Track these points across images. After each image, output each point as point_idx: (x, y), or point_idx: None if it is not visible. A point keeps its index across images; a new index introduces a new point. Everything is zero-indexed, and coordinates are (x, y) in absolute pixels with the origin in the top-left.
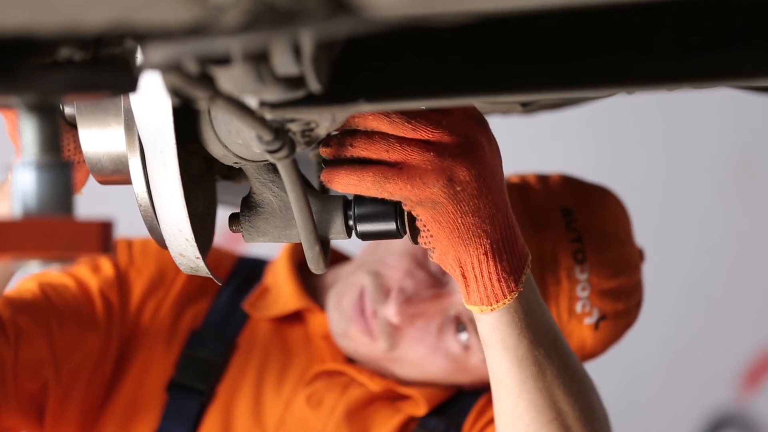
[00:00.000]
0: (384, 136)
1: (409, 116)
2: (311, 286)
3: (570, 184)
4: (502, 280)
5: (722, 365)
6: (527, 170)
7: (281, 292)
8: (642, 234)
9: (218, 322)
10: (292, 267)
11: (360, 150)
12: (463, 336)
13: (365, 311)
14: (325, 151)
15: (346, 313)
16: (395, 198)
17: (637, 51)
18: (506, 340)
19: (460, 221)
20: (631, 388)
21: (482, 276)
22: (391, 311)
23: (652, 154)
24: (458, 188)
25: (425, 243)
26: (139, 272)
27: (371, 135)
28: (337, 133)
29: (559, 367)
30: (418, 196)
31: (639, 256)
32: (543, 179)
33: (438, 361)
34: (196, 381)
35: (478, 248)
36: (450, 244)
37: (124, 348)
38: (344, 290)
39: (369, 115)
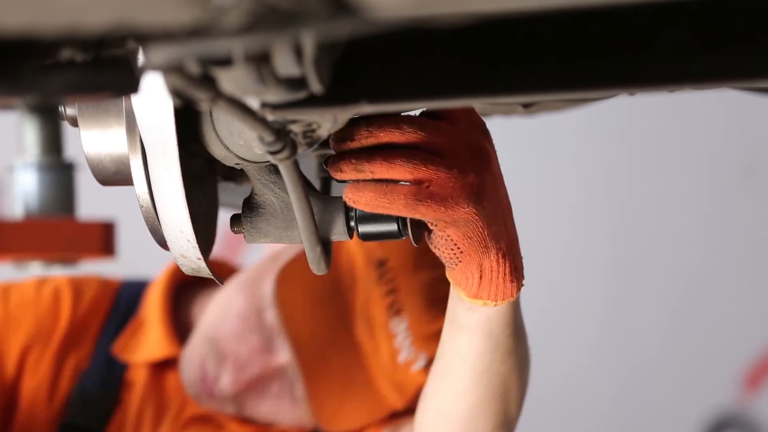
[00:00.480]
0: (404, 156)
1: (420, 126)
2: (184, 321)
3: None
4: (513, 279)
5: (724, 366)
6: (530, 172)
7: (150, 335)
8: (644, 235)
9: (100, 370)
10: (165, 299)
11: (381, 175)
12: (298, 391)
13: (206, 379)
14: (338, 176)
15: (191, 378)
16: (427, 219)
17: (638, 52)
18: (493, 329)
19: (486, 233)
20: (633, 389)
21: (497, 276)
22: (226, 382)
23: (654, 155)
24: (485, 203)
25: (452, 259)
26: (15, 329)
27: (389, 158)
28: (352, 159)
29: (522, 352)
30: (452, 217)
31: None
32: None
33: (286, 414)
34: None
35: (498, 252)
36: (477, 255)
37: (6, 413)
38: (188, 356)
39: (379, 132)
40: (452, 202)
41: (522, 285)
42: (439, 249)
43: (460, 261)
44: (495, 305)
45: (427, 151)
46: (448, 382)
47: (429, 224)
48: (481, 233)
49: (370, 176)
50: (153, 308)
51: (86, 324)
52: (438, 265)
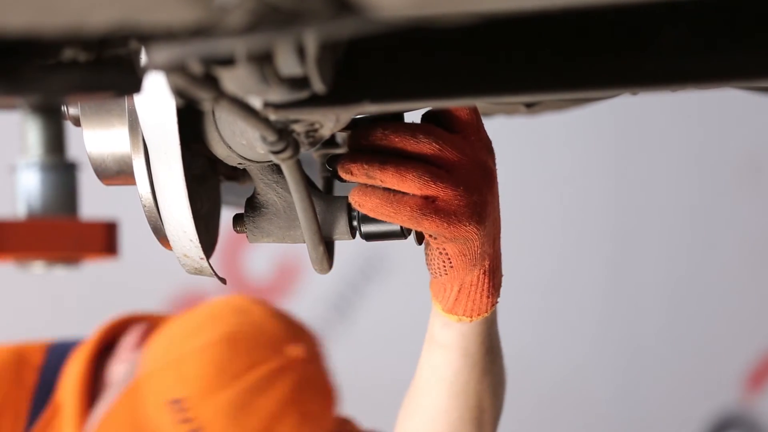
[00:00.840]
0: (415, 170)
1: (435, 138)
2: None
3: (180, 366)
4: (489, 295)
5: (727, 366)
6: (531, 172)
7: (64, 423)
8: (647, 235)
9: None
10: (83, 378)
11: (390, 185)
12: None
13: None
14: (347, 178)
15: None
16: (428, 233)
17: (641, 52)
18: (469, 347)
19: (479, 251)
20: (635, 390)
21: (475, 291)
22: None
23: (659, 154)
24: (486, 223)
25: (439, 270)
26: None
27: (402, 170)
28: (364, 163)
29: (496, 373)
30: (453, 234)
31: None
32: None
33: None
34: None
35: (481, 269)
36: (464, 271)
37: None
38: None
39: (395, 136)
40: (455, 220)
41: (497, 302)
42: (430, 259)
43: (447, 274)
44: (470, 321)
45: (436, 165)
46: (425, 403)
47: (427, 235)
48: (474, 251)
49: (379, 183)
50: (70, 389)
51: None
52: (238, 375)
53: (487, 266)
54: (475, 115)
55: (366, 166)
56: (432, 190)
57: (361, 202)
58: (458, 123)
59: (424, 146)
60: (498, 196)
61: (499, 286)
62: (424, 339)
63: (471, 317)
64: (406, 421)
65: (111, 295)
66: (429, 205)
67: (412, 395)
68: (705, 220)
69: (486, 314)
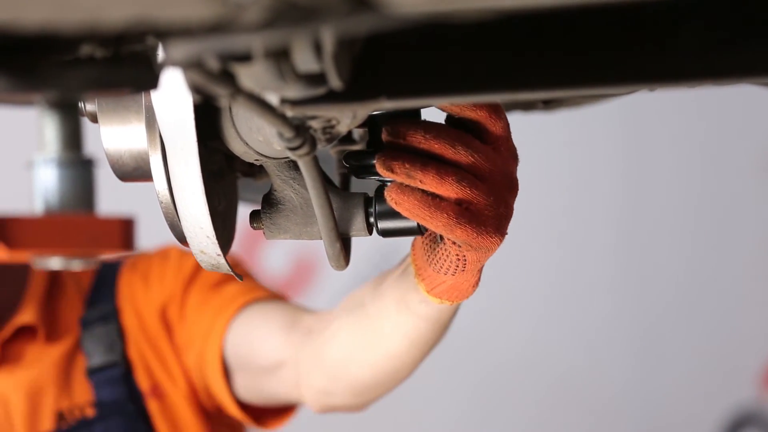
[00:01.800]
0: (455, 174)
1: (473, 150)
2: None
3: None
4: (476, 284)
5: (743, 364)
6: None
7: None
8: (663, 230)
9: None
10: None
11: (429, 187)
12: None
13: None
14: (386, 174)
15: None
16: (457, 241)
17: (659, 47)
18: (443, 318)
19: (489, 258)
20: (652, 387)
21: (464, 284)
22: None
23: (678, 151)
24: (505, 233)
25: (449, 270)
26: None
27: (442, 174)
28: (406, 162)
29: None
30: (479, 243)
31: None
32: None
33: None
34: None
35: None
36: (472, 274)
37: None
38: None
39: (434, 143)
40: (484, 230)
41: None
42: (443, 259)
43: (454, 275)
44: (450, 304)
45: (471, 174)
46: (382, 344)
47: (449, 240)
48: (487, 257)
49: (418, 185)
50: None
51: None
52: None
53: (482, 267)
54: (507, 129)
55: (408, 166)
56: (468, 195)
57: (398, 201)
58: (491, 136)
59: (462, 156)
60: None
61: (480, 273)
62: (385, 298)
63: (453, 302)
64: (357, 352)
65: None
66: (464, 214)
67: (364, 330)
68: (720, 217)
69: (465, 299)
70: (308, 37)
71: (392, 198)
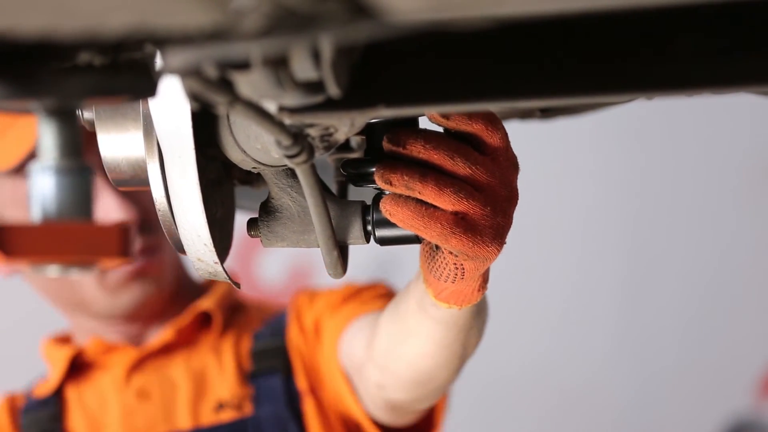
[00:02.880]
0: (453, 186)
1: (472, 162)
2: None
3: None
4: (481, 289)
5: (739, 372)
6: (544, 175)
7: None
8: (659, 239)
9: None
10: None
11: (427, 198)
12: None
13: None
14: (385, 187)
15: None
16: (453, 251)
17: (657, 56)
18: (458, 320)
19: (489, 266)
20: (648, 395)
21: (468, 290)
22: None
23: (669, 159)
24: (504, 242)
25: (448, 278)
26: None
27: (441, 186)
28: (405, 174)
29: (480, 327)
30: (476, 253)
31: None
32: None
33: None
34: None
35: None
36: (472, 282)
37: None
38: None
39: (434, 153)
40: (480, 239)
41: (485, 289)
42: (438, 266)
43: (453, 283)
44: (459, 309)
45: (469, 184)
46: (412, 342)
47: (446, 250)
48: (486, 267)
49: (416, 195)
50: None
51: None
52: None
53: (486, 272)
54: (506, 139)
55: (406, 178)
56: (464, 206)
57: (393, 212)
58: (489, 148)
59: (460, 168)
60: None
61: (487, 277)
62: (410, 298)
63: (461, 306)
64: (395, 347)
65: None
66: (459, 224)
67: (397, 328)
68: (719, 227)
69: (474, 302)
70: (307, 45)
71: (387, 209)
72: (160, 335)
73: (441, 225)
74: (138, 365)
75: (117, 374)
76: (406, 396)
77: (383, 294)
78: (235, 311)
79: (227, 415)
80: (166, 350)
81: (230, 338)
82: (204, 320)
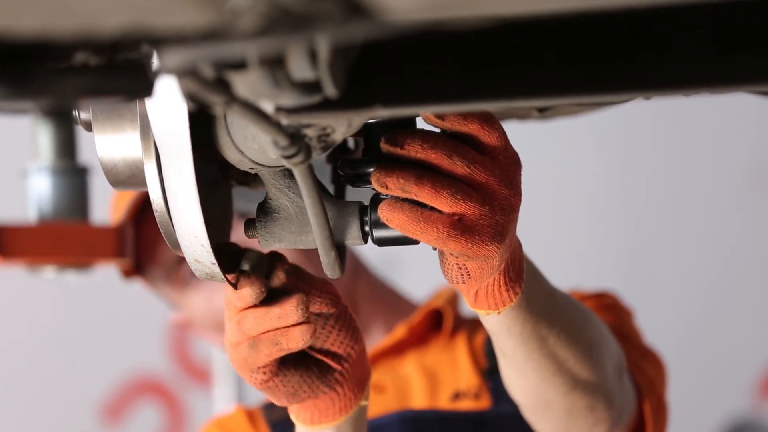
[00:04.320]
0: (450, 187)
1: (470, 161)
2: None
3: None
4: (509, 288)
5: (739, 373)
6: (544, 175)
7: None
8: (660, 240)
9: None
10: None
11: (424, 200)
12: None
13: None
14: (381, 190)
15: None
16: (453, 253)
17: (654, 55)
18: (512, 329)
19: (497, 264)
20: None
21: (492, 290)
22: None
23: (669, 160)
24: (507, 240)
25: (456, 279)
26: None
27: (437, 188)
28: (401, 177)
29: (559, 329)
30: (476, 253)
31: None
32: None
33: None
34: None
35: (497, 272)
36: (481, 281)
37: None
38: None
39: (432, 153)
40: (478, 239)
41: (519, 291)
42: (447, 268)
43: (464, 283)
44: (498, 313)
45: (466, 184)
46: (501, 363)
47: (452, 256)
48: (492, 265)
49: (412, 197)
50: None
51: None
52: None
53: (502, 269)
54: (504, 137)
55: (402, 181)
56: (461, 208)
57: (389, 217)
58: (486, 147)
59: (458, 167)
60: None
61: (519, 276)
62: None
63: (497, 310)
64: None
65: (121, 301)
66: (456, 226)
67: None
68: (720, 228)
69: (511, 304)
70: (303, 44)
71: (383, 214)
72: (392, 334)
73: (437, 229)
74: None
75: None
76: (543, 425)
77: (607, 305)
78: (469, 325)
79: (465, 404)
80: (398, 348)
81: (462, 335)
82: (435, 318)
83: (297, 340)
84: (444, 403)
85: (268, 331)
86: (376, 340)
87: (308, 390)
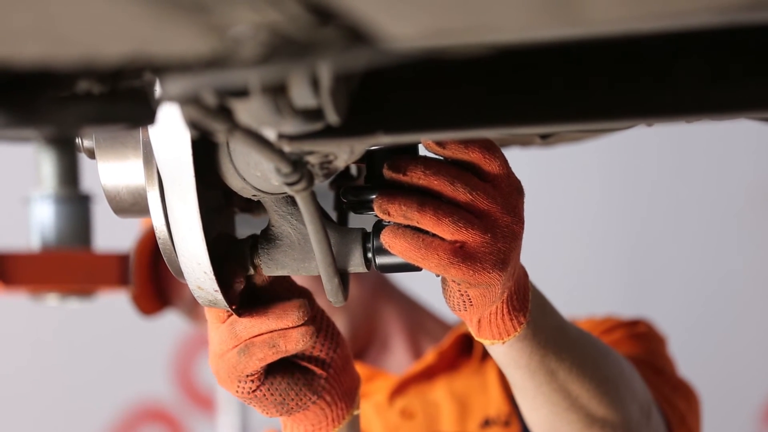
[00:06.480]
0: (451, 215)
1: (471, 188)
2: None
3: None
4: (513, 318)
5: (741, 400)
6: (546, 202)
7: None
8: (661, 264)
9: None
10: None
11: (426, 227)
12: None
13: None
14: (383, 217)
15: None
16: (455, 280)
17: (655, 82)
18: (518, 360)
19: (499, 291)
20: None
21: (495, 318)
22: None
23: (671, 184)
24: (509, 268)
25: (458, 306)
26: None
27: (439, 215)
28: (403, 204)
29: (570, 363)
30: (477, 281)
31: None
32: None
33: None
34: None
35: (500, 300)
36: (483, 309)
37: None
38: None
39: (434, 179)
40: (480, 267)
41: (524, 319)
42: (449, 295)
43: (466, 311)
44: (502, 343)
45: (467, 211)
46: (516, 395)
47: (454, 283)
48: (494, 293)
49: (414, 224)
50: None
51: None
52: None
53: (505, 297)
54: (505, 165)
55: (404, 207)
56: (463, 235)
57: (391, 244)
58: (488, 175)
59: (460, 194)
60: (522, 233)
61: (524, 306)
62: None
63: (501, 340)
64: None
65: (125, 329)
66: (458, 253)
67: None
68: (718, 252)
69: (516, 334)
70: (305, 72)
71: (386, 241)
72: (422, 359)
73: (438, 256)
74: (400, 389)
75: (379, 399)
76: None
77: (638, 335)
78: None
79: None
80: (428, 374)
81: (493, 360)
82: (466, 343)
83: (296, 342)
84: (473, 429)
85: (264, 334)
86: (399, 359)
87: (296, 398)
